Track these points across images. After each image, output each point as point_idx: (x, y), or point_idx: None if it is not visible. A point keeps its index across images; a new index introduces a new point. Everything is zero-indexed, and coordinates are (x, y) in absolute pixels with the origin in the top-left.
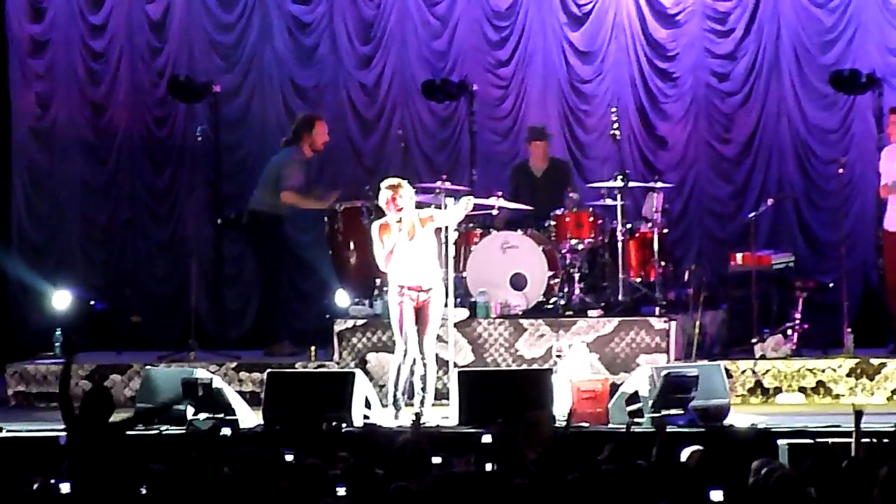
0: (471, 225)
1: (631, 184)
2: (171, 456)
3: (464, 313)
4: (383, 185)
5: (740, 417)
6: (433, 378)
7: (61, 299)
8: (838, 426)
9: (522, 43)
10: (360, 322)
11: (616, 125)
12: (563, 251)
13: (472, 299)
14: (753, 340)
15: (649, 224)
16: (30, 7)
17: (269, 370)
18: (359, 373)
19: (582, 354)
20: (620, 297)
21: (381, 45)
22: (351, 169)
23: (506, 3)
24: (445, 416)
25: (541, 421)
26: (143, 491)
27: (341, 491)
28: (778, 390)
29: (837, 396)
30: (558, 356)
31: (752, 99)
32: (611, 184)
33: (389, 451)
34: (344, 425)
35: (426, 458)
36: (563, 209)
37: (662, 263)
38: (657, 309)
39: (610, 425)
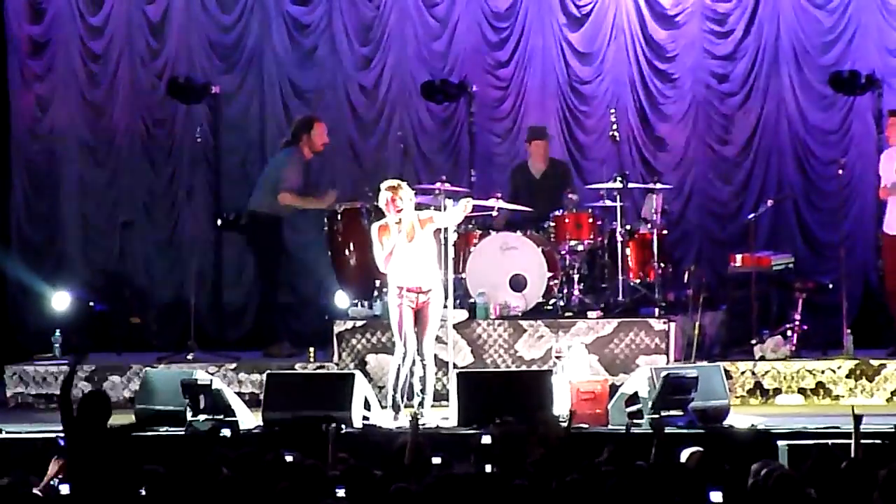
0: (470, 226)
1: (630, 185)
2: (170, 457)
3: (463, 314)
4: (383, 186)
5: (740, 418)
6: (432, 379)
7: (60, 300)
8: (838, 427)
9: (522, 44)
10: (359, 323)
11: (615, 126)
12: (563, 252)
13: (472, 300)
14: (753, 341)
15: (649, 225)
16: (29, 8)
17: (268, 371)
18: (358, 374)
19: (581, 355)
20: (620, 299)
21: (380, 47)
22: (350, 170)
23: (505, 4)
24: (445, 417)
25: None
26: (143, 492)
27: (341, 492)
28: (777, 391)
29: (837, 397)
30: (558, 357)
31: (751, 100)
32: (610, 185)
33: (389, 452)
34: (343, 426)
35: (426, 459)
36: (562, 210)
37: (662, 264)
38: (656, 310)
39: (609, 426)
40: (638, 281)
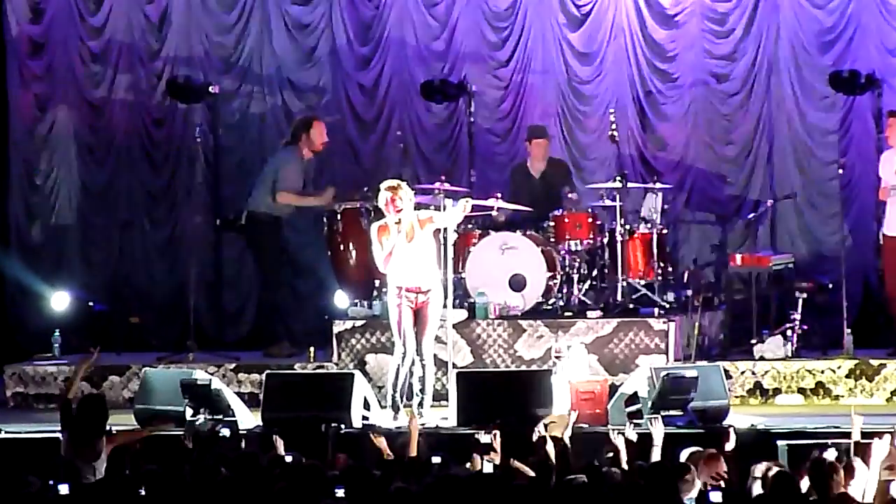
0: (469, 226)
1: (630, 185)
2: (170, 457)
3: (462, 314)
4: (382, 186)
5: (739, 418)
6: (432, 379)
7: (60, 300)
8: (838, 427)
9: (521, 44)
10: (359, 323)
11: (615, 126)
12: (562, 252)
13: (471, 300)
14: (753, 341)
15: (648, 225)
16: (28, 8)
17: (267, 371)
18: (358, 374)
19: (581, 355)
20: (619, 298)
21: (380, 46)
22: (350, 170)
23: (505, 4)
24: (444, 416)
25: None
26: (143, 492)
27: (340, 492)
28: (777, 391)
29: (837, 397)
30: (557, 357)
31: (751, 100)
32: (610, 185)
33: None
34: (343, 426)
35: (425, 459)
36: (561, 210)
37: (661, 264)
38: (656, 310)
39: (609, 426)
40: (637, 281)
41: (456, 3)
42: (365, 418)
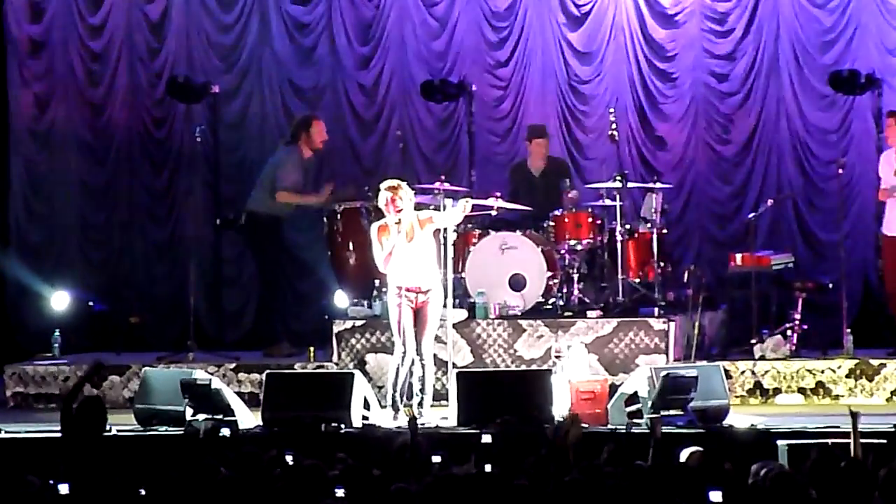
0: (469, 226)
1: (630, 184)
2: (169, 457)
3: (462, 314)
4: (383, 186)
5: (740, 418)
6: (432, 379)
7: (60, 300)
8: (837, 427)
9: (521, 43)
10: (358, 323)
11: (615, 126)
12: (562, 252)
13: (471, 300)
14: (753, 341)
15: (648, 224)
16: (28, 7)
17: (267, 371)
18: (358, 374)
19: (581, 355)
20: (619, 298)
21: (379, 46)
22: (350, 169)
23: (504, 4)
24: (444, 416)
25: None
26: (143, 492)
27: (340, 492)
28: (777, 391)
29: (837, 397)
30: (557, 357)
31: (751, 99)
32: (610, 184)
33: (388, 451)
34: (343, 426)
35: (425, 459)
36: (561, 210)
37: (661, 264)
38: (656, 309)
39: (609, 426)
40: (637, 280)
41: (456, 3)
42: (365, 418)
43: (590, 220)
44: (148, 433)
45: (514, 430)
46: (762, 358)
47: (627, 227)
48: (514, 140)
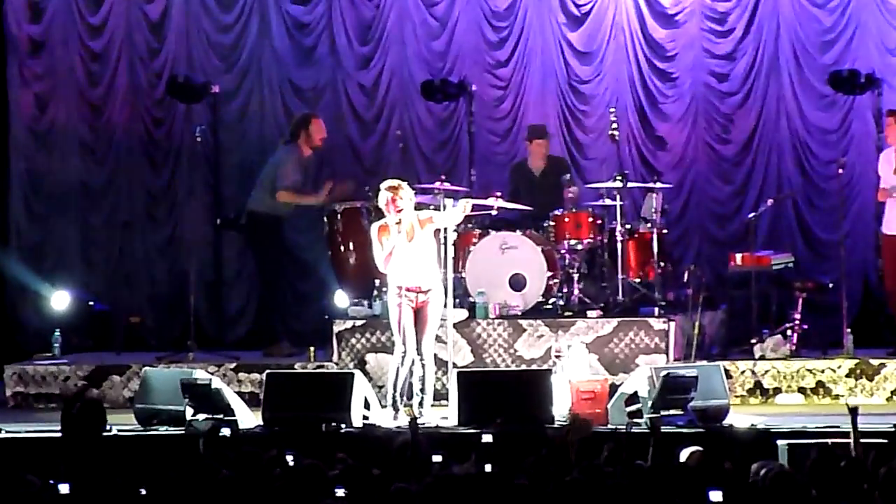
0: (469, 225)
1: (630, 184)
2: (170, 457)
3: (463, 314)
4: (383, 186)
5: (740, 418)
6: (432, 379)
7: (60, 300)
8: (838, 426)
9: (521, 43)
10: (359, 323)
11: (615, 125)
12: (562, 251)
13: (471, 300)
14: (753, 341)
15: (648, 224)
16: (28, 7)
17: (268, 371)
18: (358, 373)
19: (581, 355)
20: (619, 298)
21: (379, 46)
22: (350, 169)
23: (505, 4)
24: (444, 416)
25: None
26: (143, 492)
27: (340, 492)
28: (777, 391)
29: (837, 397)
30: (557, 357)
31: (751, 99)
32: (610, 184)
33: (388, 451)
34: (343, 426)
35: (425, 459)
36: (562, 209)
37: (661, 264)
38: (656, 309)
39: (609, 426)
40: (638, 280)
41: (456, 3)
42: (365, 418)
43: (590, 219)
44: (148, 433)
45: (513, 431)
46: (762, 358)
47: (628, 226)
48: (514, 140)
